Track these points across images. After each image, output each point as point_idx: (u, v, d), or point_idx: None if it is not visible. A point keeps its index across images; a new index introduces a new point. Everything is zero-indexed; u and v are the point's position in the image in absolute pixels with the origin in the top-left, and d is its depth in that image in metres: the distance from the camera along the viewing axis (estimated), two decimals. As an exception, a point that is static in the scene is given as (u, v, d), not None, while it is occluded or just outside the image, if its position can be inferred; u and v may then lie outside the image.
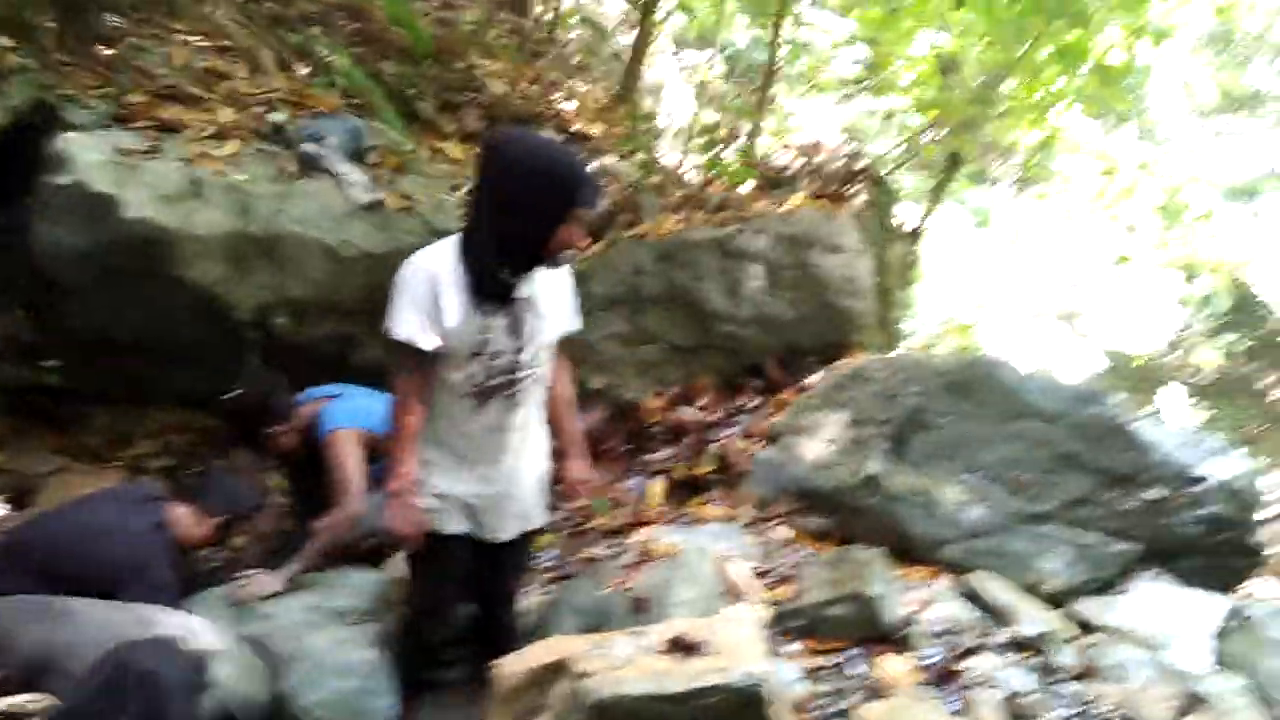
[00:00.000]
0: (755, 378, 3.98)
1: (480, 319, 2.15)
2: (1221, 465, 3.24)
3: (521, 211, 2.06)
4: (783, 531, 3.18)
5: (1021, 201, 5.91)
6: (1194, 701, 2.65)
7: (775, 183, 5.09)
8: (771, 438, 3.60)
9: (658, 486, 3.48)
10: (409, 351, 2.13)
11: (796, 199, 4.64)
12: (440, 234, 2.45)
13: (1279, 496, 3.88)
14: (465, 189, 3.95)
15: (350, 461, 2.89)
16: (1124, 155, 6.11)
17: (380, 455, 2.84)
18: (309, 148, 3.75)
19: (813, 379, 3.87)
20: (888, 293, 4.64)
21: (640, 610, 2.57)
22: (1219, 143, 6.39)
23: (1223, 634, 2.87)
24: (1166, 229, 6.00)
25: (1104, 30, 5.28)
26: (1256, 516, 3.23)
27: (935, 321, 5.47)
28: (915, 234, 5.80)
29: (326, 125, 3.88)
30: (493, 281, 2.14)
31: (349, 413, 3.00)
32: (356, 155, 3.90)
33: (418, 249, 2.21)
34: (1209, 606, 2.96)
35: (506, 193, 2.07)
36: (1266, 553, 3.29)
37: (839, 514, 3.22)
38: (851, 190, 4.83)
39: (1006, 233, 5.78)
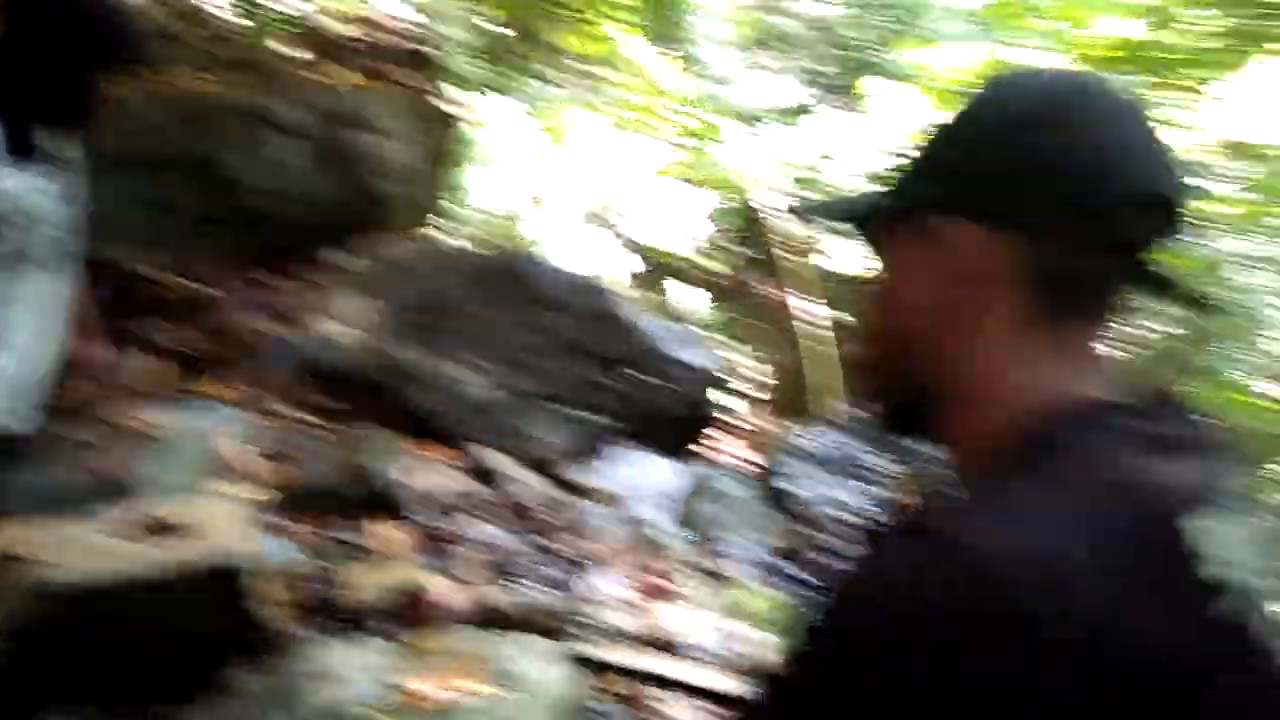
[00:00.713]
0: (281, 255, 3.80)
1: (8, 177, 1.95)
2: (696, 352, 3.83)
3: (62, 66, 1.93)
4: (293, 412, 3.13)
5: (576, 106, 6.26)
6: (657, 551, 3.17)
7: (325, 53, 4.79)
8: (292, 318, 3.50)
9: (155, 363, 3.22)
10: None
11: (345, 74, 4.43)
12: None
13: (746, 377, 4.74)
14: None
15: None
16: (668, 78, 6.72)
17: None
18: None
19: (343, 261, 3.81)
20: (431, 180, 4.66)
21: (113, 493, 2.39)
22: (747, 75, 7.19)
23: (685, 495, 3.45)
24: (695, 149, 6.76)
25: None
26: (720, 394, 3.90)
27: (479, 212, 5.66)
28: (468, 124, 5.86)
29: None
30: (24, 137, 1.96)
31: None
32: None
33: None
34: (675, 470, 3.53)
35: (46, 45, 1.91)
36: (729, 422, 4.00)
37: (356, 395, 3.26)
38: (405, 72, 4.72)
39: (559, 133, 6.10)
